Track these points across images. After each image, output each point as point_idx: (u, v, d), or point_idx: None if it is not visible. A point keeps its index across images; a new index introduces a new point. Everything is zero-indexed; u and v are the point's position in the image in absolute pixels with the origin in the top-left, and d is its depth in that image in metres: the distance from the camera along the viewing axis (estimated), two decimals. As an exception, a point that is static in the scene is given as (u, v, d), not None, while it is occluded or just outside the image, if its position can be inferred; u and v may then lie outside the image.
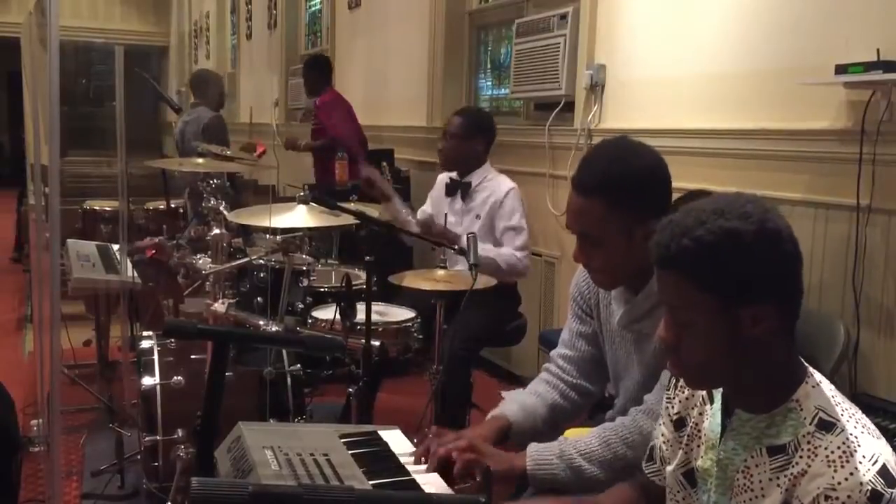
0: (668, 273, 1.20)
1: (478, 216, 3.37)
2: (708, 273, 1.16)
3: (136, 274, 3.31)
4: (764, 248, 1.14)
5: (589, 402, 1.94)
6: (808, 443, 1.16)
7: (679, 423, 1.39)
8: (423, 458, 1.59)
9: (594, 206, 1.62)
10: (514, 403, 1.85)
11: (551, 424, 1.85)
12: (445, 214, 3.46)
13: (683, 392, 1.39)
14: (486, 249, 3.13)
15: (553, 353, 1.96)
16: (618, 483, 1.56)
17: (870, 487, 1.08)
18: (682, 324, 1.21)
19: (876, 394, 2.45)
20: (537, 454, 1.65)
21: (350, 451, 1.53)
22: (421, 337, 2.74)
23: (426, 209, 3.61)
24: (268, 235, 2.93)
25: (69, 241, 3.76)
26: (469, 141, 3.41)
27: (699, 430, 1.34)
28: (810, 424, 1.17)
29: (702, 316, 1.18)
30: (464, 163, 3.44)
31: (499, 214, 3.32)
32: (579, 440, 1.68)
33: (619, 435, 1.67)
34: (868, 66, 2.34)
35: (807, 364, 1.24)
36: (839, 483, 1.09)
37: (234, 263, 2.71)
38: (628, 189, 1.61)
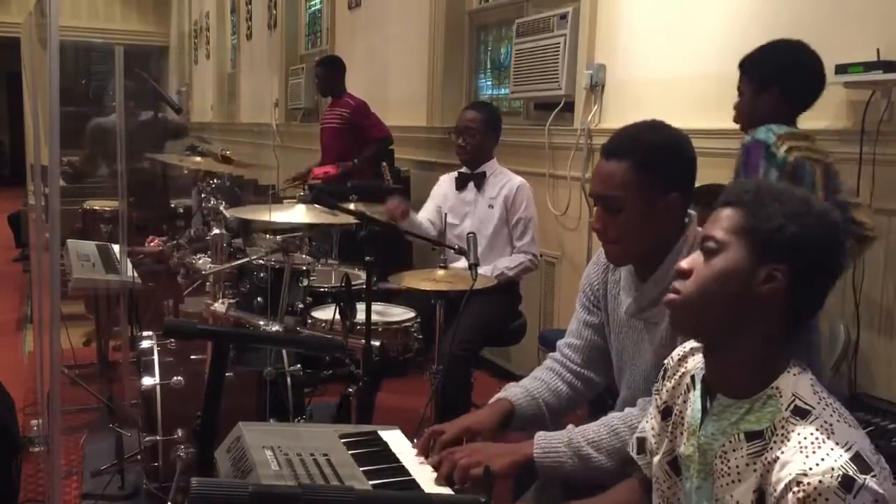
0: (730, 209, 1.25)
1: (490, 206, 3.41)
2: (765, 223, 1.20)
3: (135, 274, 3.31)
4: (819, 226, 1.21)
5: (591, 392, 1.95)
6: (783, 428, 1.16)
7: (665, 413, 1.41)
8: (425, 450, 1.60)
9: (620, 169, 1.66)
10: (518, 387, 1.86)
11: (554, 409, 1.86)
12: (445, 214, 3.45)
13: (670, 382, 1.41)
14: (497, 267, 3.27)
15: (560, 342, 1.97)
16: (625, 479, 1.56)
17: (841, 473, 1.07)
18: (710, 252, 1.24)
19: (876, 394, 2.45)
20: (545, 442, 1.66)
21: (350, 451, 1.53)
22: (421, 337, 2.74)
23: (427, 215, 3.55)
24: (268, 235, 2.93)
25: (69, 241, 3.76)
26: (487, 135, 3.47)
27: (682, 418, 1.35)
28: (786, 410, 1.18)
29: (733, 255, 1.22)
30: (484, 156, 3.48)
31: (512, 208, 3.38)
32: (587, 428, 1.68)
33: (627, 424, 1.67)
34: (868, 66, 2.34)
35: (795, 360, 1.25)
36: (810, 468, 1.09)
37: (234, 263, 2.71)
38: (655, 154, 1.66)
